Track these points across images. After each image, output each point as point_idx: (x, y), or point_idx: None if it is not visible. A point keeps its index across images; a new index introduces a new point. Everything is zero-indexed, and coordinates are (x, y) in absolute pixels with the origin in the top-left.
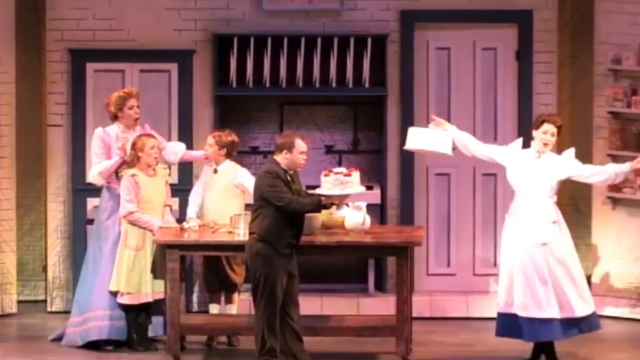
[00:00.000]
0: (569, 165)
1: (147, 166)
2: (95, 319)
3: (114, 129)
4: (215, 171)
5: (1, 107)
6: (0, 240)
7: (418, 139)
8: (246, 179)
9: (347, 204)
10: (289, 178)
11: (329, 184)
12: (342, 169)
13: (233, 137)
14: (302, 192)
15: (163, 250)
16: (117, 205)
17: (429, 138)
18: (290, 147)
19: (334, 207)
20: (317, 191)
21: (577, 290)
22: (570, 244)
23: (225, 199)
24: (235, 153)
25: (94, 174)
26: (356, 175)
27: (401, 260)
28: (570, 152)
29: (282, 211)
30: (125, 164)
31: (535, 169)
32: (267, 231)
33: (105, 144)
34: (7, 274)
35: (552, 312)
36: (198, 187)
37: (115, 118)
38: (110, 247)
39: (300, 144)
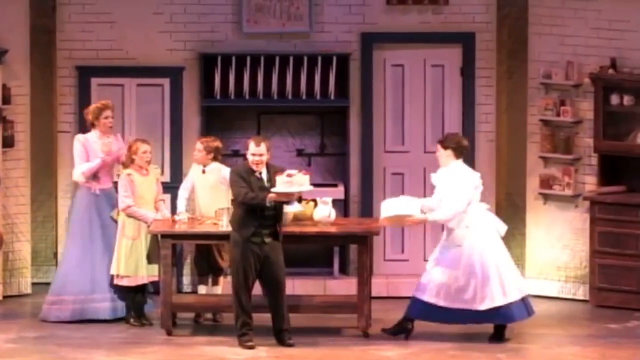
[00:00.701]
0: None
1: (139, 167)
2: (82, 302)
3: (92, 135)
4: (204, 172)
5: (18, 116)
6: (17, 231)
7: (389, 208)
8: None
9: (315, 200)
10: (258, 175)
11: (278, 183)
12: (293, 171)
13: (218, 143)
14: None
15: (157, 239)
16: (90, 204)
17: (399, 205)
18: (247, 148)
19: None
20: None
21: (478, 288)
22: (487, 248)
23: (213, 195)
24: (220, 156)
25: (78, 173)
26: (299, 176)
27: (362, 248)
28: (452, 171)
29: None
30: (105, 165)
31: (441, 183)
32: (235, 220)
33: (85, 148)
34: (22, 260)
35: (453, 302)
36: (186, 184)
37: (92, 126)
38: (80, 240)
39: (250, 146)
